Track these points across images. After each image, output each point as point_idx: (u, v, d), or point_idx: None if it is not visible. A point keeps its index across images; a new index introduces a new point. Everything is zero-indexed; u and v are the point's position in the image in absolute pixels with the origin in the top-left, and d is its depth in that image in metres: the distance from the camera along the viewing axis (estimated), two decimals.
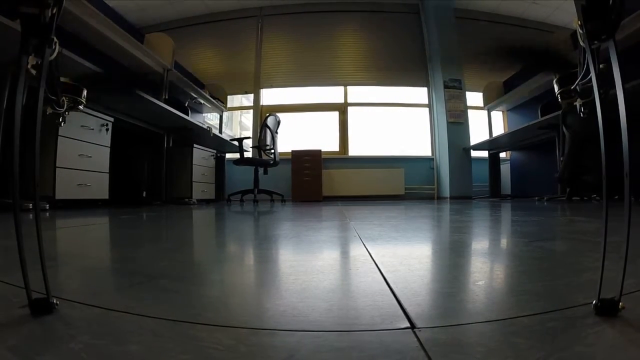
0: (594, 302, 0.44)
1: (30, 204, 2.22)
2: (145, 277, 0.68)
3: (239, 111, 7.83)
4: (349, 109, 6.85)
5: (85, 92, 0.90)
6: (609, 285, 0.44)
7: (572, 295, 0.53)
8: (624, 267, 0.43)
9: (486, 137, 6.55)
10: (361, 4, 6.91)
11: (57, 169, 2.93)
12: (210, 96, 6.37)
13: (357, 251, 0.97)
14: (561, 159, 3.88)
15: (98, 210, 3.03)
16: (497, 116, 7.17)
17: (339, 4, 6.92)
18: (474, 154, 6.18)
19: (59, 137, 2.95)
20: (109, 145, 3.53)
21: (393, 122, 6.96)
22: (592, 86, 0.48)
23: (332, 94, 6.96)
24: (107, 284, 0.67)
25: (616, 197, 1.98)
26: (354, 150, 6.76)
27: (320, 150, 6.11)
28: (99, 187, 3.40)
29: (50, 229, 1.59)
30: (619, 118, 0.44)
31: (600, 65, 0.49)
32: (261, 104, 6.90)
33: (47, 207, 2.82)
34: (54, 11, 0.50)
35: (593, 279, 0.46)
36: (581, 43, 0.50)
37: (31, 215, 1.72)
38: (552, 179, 4.37)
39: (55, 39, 0.51)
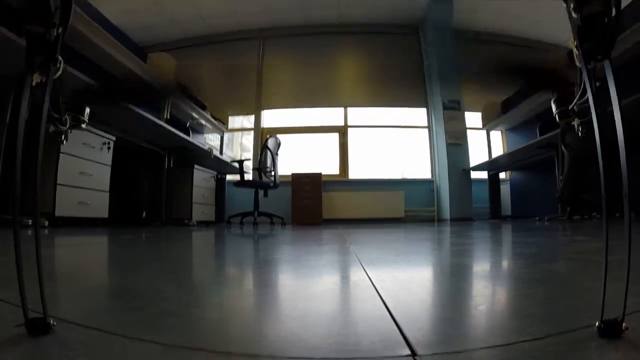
0: (597, 324, 0.43)
1: (30, 220, 2.21)
2: (143, 300, 0.67)
3: (240, 132, 7.88)
4: (349, 130, 6.90)
5: (88, 110, 0.90)
6: (611, 306, 0.43)
7: (574, 318, 0.53)
8: (626, 287, 0.43)
9: (485, 157, 6.58)
10: (360, 26, 7.04)
11: (57, 186, 2.93)
12: (212, 117, 6.42)
13: (357, 276, 0.96)
14: (561, 178, 3.88)
15: (97, 229, 3.02)
16: (496, 136, 7.22)
17: (339, 25, 7.05)
18: (474, 174, 6.19)
19: (60, 154, 2.96)
20: (110, 164, 3.54)
21: (393, 143, 7.01)
22: (589, 106, 0.49)
23: (333, 115, 7.03)
24: (105, 305, 0.66)
25: (617, 214, 1.99)
26: (354, 173, 6.77)
27: (320, 173, 6.12)
28: (99, 205, 3.39)
29: (49, 246, 1.59)
30: (617, 137, 0.45)
31: (597, 83, 0.49)
32: (262, 125, 6.95)
33: (47, 224, 2.81)
34: (60, 30, 0.51)
35: (595, 300, 0.45)
36: (577, 63, 0.51)
37: (30, 232, 1.71)
38: (552, 199, 4.36)
39: (60, 58, 0.52)
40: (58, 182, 2.94)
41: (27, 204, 0.48)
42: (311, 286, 0.85)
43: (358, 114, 7.02)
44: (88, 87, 3.03)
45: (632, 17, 3.30)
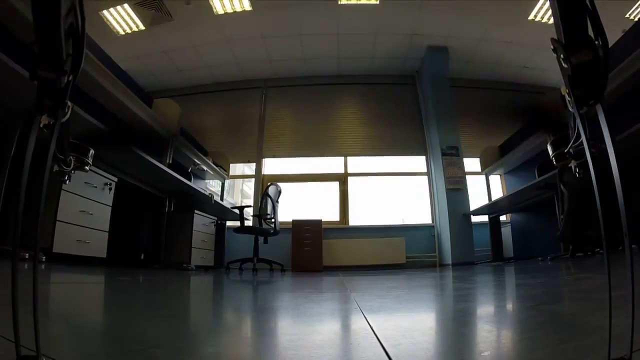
0: None
1: (27, 254, 2.18)
2: (138, 345, 0.66)
3: (241, 179, 7.93)
4: (349, 179, 6.95)
5: (92, 152, 0.92)
6: (618, 344, 0.42)
7: (582, 358, 0.51)
8: (632, 324, 0.42)
9: (485, 201, 6.58)
10: (360, 77, 7.31)
11: (57, 222, 2.90)
12: (213, 163, 6.49)
13: (358, 324, 0.94)
14: (561, 217, 3.85)
15: (95, 268, 2.97)
16: (495, 180, 7.25)
17: (339, 76, 7.31)
18: (475, 218, 6.16)
19: (62, 191, 2.96)
20: (111, 205, 3.54)
21: (393, 190, 7.03)
22: (584, 148, 0.50)
23: (333, 164, 7.09)
24: (98, 348, 0.64)
25: (620, 248, 1.96)
26: (354, 220, 6.74)
27: (320, 220, 6.10)
28: (98, 245, 3.35)
29: (46, 282, 1.56)
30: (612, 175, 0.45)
31: (589, 127, 0.51)
32: (263, 173, 7.01)
33: (44, 259, 2.76)
34: (70, 78, 0.53)
35: (602, 339, 0.44)
36: (570, 109, 0.52)
37: (26, 265, 1.68)
38: (554, 238, 4.31)
39: (69, 103, 0.53)
40: (58, 218, 2.91)
41: (27, 238, 0.48)
42: (311, 334, 0.83)
43: (358, 162, 7.09)
44: (98, 130, 3.10)
45: (622, 52, 3.39)
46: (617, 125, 2.81)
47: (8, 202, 2.42)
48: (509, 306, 1.23)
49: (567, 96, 0.53)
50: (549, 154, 0.75)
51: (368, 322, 0.94)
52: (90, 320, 0.91)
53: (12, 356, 0.44)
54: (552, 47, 0.52)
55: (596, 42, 0.48)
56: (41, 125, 0.50)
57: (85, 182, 3.22)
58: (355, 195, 6.90)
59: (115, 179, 3.61)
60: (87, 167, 0.90)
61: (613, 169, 0.45)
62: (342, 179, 6.94)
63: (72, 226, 3.07)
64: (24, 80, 2.23)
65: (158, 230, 4.62)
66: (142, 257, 4.52)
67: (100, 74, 3.76)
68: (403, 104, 7.18)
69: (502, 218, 6.43)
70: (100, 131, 3.21)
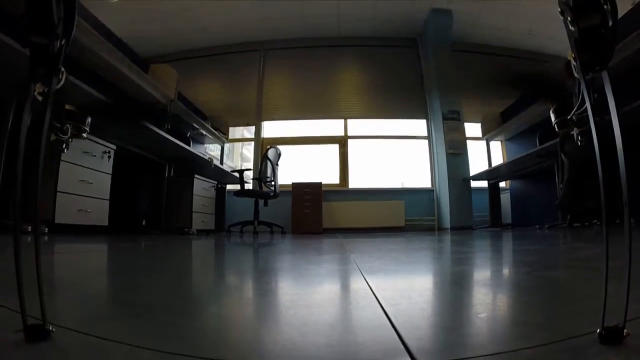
0: (598, 330, 0.43)
1: (30, 227, 2.21)
2: (142, 308, 0.67)
3: (241, 143, 7.90)
4: (349, 141, 6.92)
5: (89, 120, 0.91)
6: (612, 313, 0.43)
7: (575, 325, 0.52)
8: (627, 294, 0.43)
9: (485, 167, 6.58)
10: (360, 39, 7.12)
11: (57, 193, 2.93)
12: (212, 127, 6.44)
13: (357, 284, 0.96)
14: (561, 186, 3.87)
15: (97, 237, 3.01)
16: (496, 146, 7.23)
17: (339, 38, 7.12)
18: (474, 184, 6.19)
19: (61, 162, 2.96)
20: (111, 173, 3.55)
21: (393, 154, 7.02)
22: (588, 115, 0.49)
23: (333, 126, 7.05)
24: (104, 313, 0.66)
25: (617, 221, 1.98)
26: (354, 183, 6.78)
27: (320, 183, 6.13)
28: (99, 213, 3.39)
29: (48, 253, 1.58)
30: (615, 145, 0.45)
31: (595, 95, 0.50)
32: (262, 136, 6.98)
33: (46, 231, 2.81)
34: (63, 42, 0.51)
35: (596, 307, 0.45)
36: (575, 74, 0.51)
37: (30, 238, 1.71)
38: (552, 207, 4.36)
39: (62, 69, 0.52)
40: (58, 189, 2.93)
41: (28, 211, 0.48)
42: (311, 294, 0.85)
43: (358, 125, 7.04)
44: (100, 103, 3.06)
45: (628, 27, 3.32)
46: (624, 97, 2.78)
47: (8, 175, 2.42)
48: (506, 271, 1.25)
49: (572, 61, 0.51)
50: (551, 123, 0.74)
51: (367, 282, 0.95)
52: (93, 287, 0.93)
53: (20, 326, 0.45)
54: (559, 9, 0.50)
55: (605, 7, 0.46)
56: (36, 94, 0.49)
57: (84, 152, 3.21)
58: (355, 158, 6.90)
59: (114, 147, 3.60)
60: (84, 134, 0.90)
61: (616, 137, 0.44)
62: (342, 141, 6.91)
63: (73, 196, 3.09)
64: (17, 52, 2.20)
65: (158, 196, 4.65)
66: (144, 223, 4.57)
67: (95, 41, 3.67)
68: (404, 67, 7.04)
69: (502, 185, 6.46)
70: (98, 101, 3.15)
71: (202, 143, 6.82)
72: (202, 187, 5.15)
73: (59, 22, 0.50)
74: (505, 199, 6.49)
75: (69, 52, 0.52)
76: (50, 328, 0.46)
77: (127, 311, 0.65)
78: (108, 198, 3.52)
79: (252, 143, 7.04)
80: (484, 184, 6.35)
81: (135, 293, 0.84)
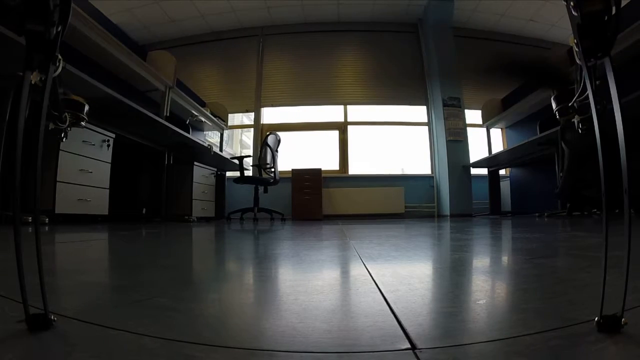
0: (596, 318, 0.43)
1: (30, 218, 2.22)
2: (143, 295, 0.68)
3: (240, 129, 7.88)
4: (349, 127, 6.90)
5: (87, 108, 0.90)
6: (611, 301, 0.43)
7: (574, 312, 0.53)
8: (625, 283, 0.43)
9: (485, 154, 6.58)
10: (361, 24, 7.05)
11: (57, 183, 2.93)
12: (211, 114, 6.42)
13: (357, 271, 0.96)
14: (561, 174, 3.88)
15: (97, 225, 3.02)
16: (496, 133, 7.22)
17: (338, 23, 7.05)
18: (474, 171, 6.19)
19: (60, 152, 2.96)
20: (110, 161, 3.54)
21: (393, 140, 7.01)
22: (589, 103, 0.49)
23: (332, 112, 7.02)
24: (105, 301, 0.66)
25: (617, 210, 1.98)
26: (354, 169, 6.78)
27: (320, 169, 6.13)
28: (99, 202, 3.39)
29: (49, 243, 1.59)
30: (617, 133, 0.45)
31: (597, 82, 0.49)
32: (262, 122, 6.96)
33: (47, 221, 2.81)
34: (59, 29, 0.51)
35: (595, 295, 0.45)
36: (578, 61, 0.51)
37: (30, 229, 1.71)
38: (552, 195, 4.37)
39: (59, 56, 0.51)
40: (58, 179, 2.93)
41: (28, 202, 0.48)
42: (311, 281, 0.85)
43: (358, 111, 7.02)
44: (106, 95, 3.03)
45: (632, 16, 3.29)
46: (627, 86, 2.76)
47: (7, 166, 2.42)
48: (505, 258, 1.26)
49: (575, 46, 0.51)
50: (552, 110, 0.74)
51: (367, 269, 0.96)
52: (94, 276, 0.93)
53: (22, 316, 0.45)
54: None
55: None
56: (33, 82, 0.48)
57: (83, 141, 3.20)
58: (355, 145, 6.89)
59: (113, 135, 3.58)
60: (83, 123, 0.89)
61: (617, 125, 0.44)
62: (341, 127, 6.89)
63: (73, 186, 3.09)
64: (11, 41, 2.18)
65: (158, 183, 4.66)
66: (144, 211, 4.58)
67: (92, 29, 3.63)
68: (404, 52, 6.98)
69: (502, 172, 6.46)
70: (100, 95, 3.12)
71: (202, 130, 6.80)
72: (201, 174, 5.15)
73: (55, 8, 0.50)
74: (505, 186, 6.50)
75: (64, 40, 0.52)
76: (52, 317, 0.46)
77: (128, 299, 0.65)
78: (108, 187, 3.51)
79: (252, 129, 7.02)
80: (484, 171, 6.35)
81: (136, 281, 0.84)
